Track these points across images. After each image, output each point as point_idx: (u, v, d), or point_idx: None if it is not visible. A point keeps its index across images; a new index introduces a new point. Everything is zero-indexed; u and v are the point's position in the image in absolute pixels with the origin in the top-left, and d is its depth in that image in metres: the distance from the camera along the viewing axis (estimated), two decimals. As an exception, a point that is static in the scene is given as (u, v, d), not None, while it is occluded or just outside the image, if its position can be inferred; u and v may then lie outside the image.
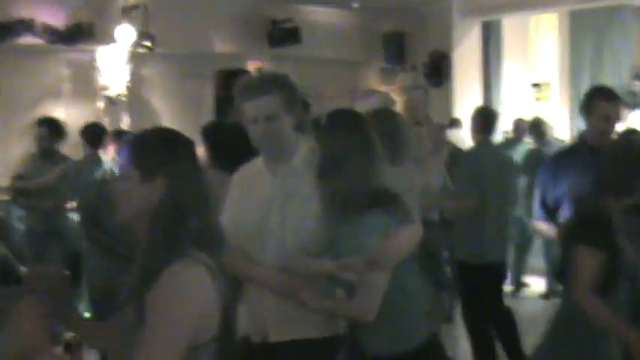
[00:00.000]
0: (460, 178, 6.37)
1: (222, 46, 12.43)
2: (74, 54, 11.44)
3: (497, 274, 6.36)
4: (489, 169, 6.29)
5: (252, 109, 3.39)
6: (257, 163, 3.61)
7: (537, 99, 13.70)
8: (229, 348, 2.55)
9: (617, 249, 3.71)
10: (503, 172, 6.49)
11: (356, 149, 3.25)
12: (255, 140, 3.46)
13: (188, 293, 2.20)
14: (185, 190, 2.30)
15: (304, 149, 3.46)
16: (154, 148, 2.32)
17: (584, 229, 3.83)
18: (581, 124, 12.09)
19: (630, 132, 6.87)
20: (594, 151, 4.59)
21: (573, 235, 3.85)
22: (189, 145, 2.40)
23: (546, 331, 4.01)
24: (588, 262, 3.68)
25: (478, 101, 12.68)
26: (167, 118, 11.96)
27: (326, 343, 3.44)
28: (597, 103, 4.75)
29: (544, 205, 4.95)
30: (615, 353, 3.77)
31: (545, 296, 9.02)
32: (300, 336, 3.42)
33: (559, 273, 4.03)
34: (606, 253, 3.67)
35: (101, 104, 11.65)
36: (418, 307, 3.43)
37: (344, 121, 3.38)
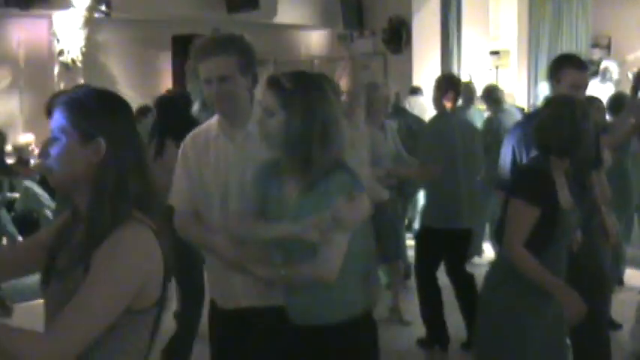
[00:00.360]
0: (427, 146, 6.35)
1: (179, 11, 12.29)
2: (29, 19, 11.26)
3: (465, 240, 6.42)
4: (460, 137, 6.32)
5: (206, 70, 3.35)
6: (211, 128, 3.55)
7: (496, 66, 13.73)
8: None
9: (555, 206, 3.74)
10: (473, 139, 6.56)
11: (329, 118, 3.09)
12: (210, 101, 3.42)
13: (132, 254, 2.16)
14: (126, 151, 2.24)
15: (258, 112, 3.34)
16: (93, 108, 2.25)
17: (523, 185, 3.85)
18: (540, 92, 12.27)
19: (592, 100, 6.87)
20: None
21: (512, 191, 3.87)
22: (126, 105, 2.34)
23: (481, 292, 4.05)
24: (523, 216, 3.72)
25: (437, 68, 12.70)
26: (124, 84, 11.84)
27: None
28: (567, 70, 4.71)
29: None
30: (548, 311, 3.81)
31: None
32: (273, 303, 3.36)
33: (497, 232, 4.04)
34: (543, 209, 3.70)
35: (56, 70, 11.49)
36: (357, 277, 3.33)
37: (314, 87, 3.14)
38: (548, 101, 4.15)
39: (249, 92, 3.42)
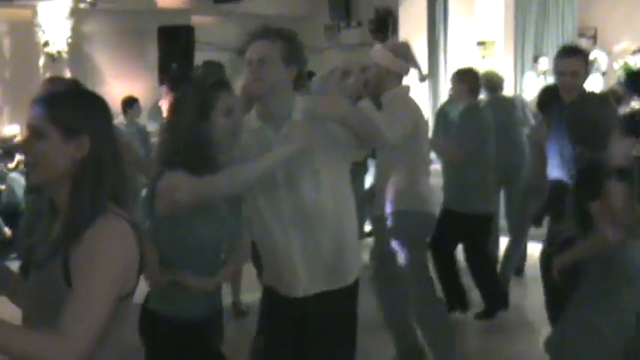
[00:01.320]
0: (470, 132, 6.54)
1: (165, 2, 12.26)
2: (14, 9, 11.20)
3: (489, 223, 6.81)
4: (490, 125, 6.68)
5: (248, 53, 3.34)
6: (249, 120, 3.44)
7: (483, 57, 13.72)
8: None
9: None
10: (492, 128, 6.87)
11: None
12: (247, 85, 3.37)
13: (113, 247, 2.20)
14: (105, 145, 2.27)
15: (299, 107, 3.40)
16: (75, 105, 2.27)
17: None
18: (525, 82, 12.31)
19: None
20: (561, 107, 4.88)
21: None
22: (103, 100, 2.36)
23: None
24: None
25: (424, 59, 12.68)
26: (110, 75, 11.80)
27: (351, 290, 3.55)
28: (555, 60, 5.03)
29: None
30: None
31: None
32: (329, 287, 3.46)
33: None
34: None
35: (42, 61, 11.44)
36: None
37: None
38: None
39: (290, 84, 3.40)
